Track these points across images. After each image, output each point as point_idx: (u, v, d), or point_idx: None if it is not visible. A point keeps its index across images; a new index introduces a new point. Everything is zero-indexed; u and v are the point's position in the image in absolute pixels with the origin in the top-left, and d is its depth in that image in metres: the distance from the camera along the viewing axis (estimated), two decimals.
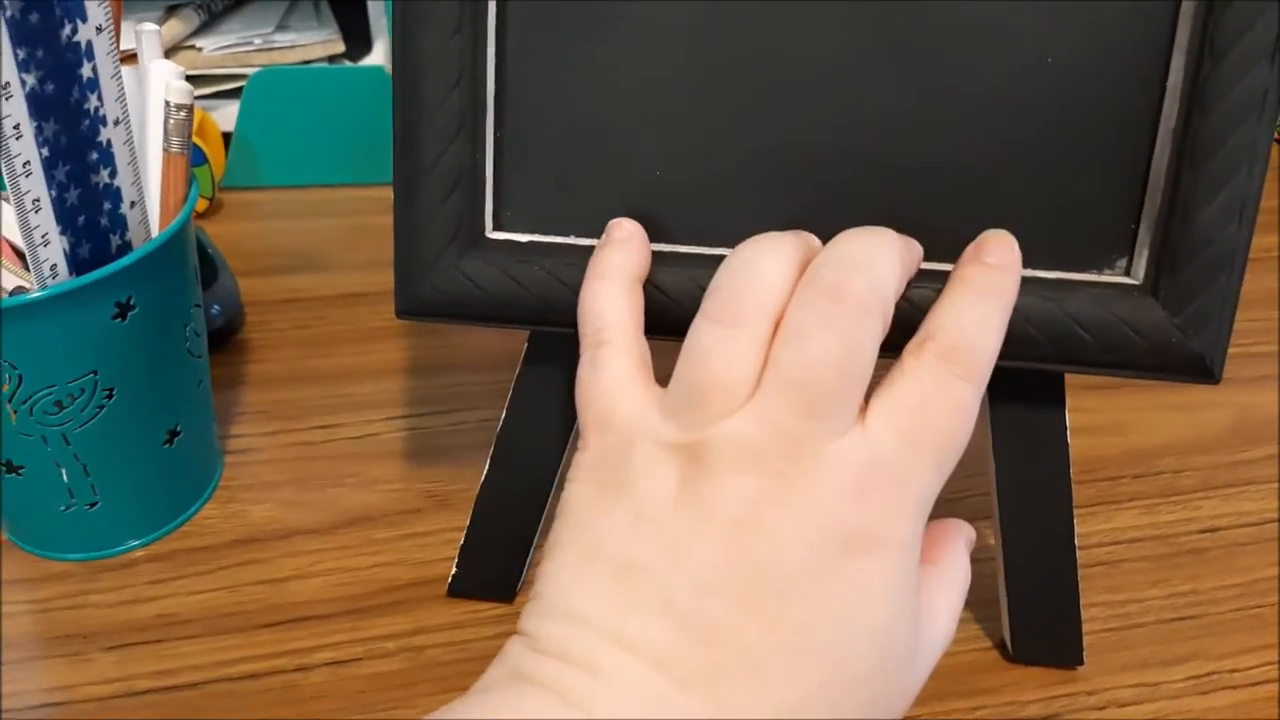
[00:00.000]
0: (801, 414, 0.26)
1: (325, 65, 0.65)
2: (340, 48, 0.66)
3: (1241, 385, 0.52)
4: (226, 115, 0.64)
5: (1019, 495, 0.36)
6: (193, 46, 0.64)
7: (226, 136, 0.65)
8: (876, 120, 0.32)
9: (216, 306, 0.52)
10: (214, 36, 0.64)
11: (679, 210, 0.34)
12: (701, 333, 0.28)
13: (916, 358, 0.28)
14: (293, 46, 0.65)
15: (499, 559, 0.39)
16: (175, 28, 0.63)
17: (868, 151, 0.33)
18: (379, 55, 0.66)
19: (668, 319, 0.33)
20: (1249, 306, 0.32)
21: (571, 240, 0.34)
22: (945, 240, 0.32)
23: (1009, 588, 0.37)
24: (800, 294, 0.28)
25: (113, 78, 0.33)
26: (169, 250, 0.36)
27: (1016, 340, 0.32)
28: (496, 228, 0.34)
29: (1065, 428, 0.35)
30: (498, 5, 0.32)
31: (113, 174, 0.34)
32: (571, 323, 0.32)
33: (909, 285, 0.32)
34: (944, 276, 0.32)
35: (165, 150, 0.37)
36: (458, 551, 0.39)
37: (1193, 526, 0.45)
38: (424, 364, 0.52)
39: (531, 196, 0.34)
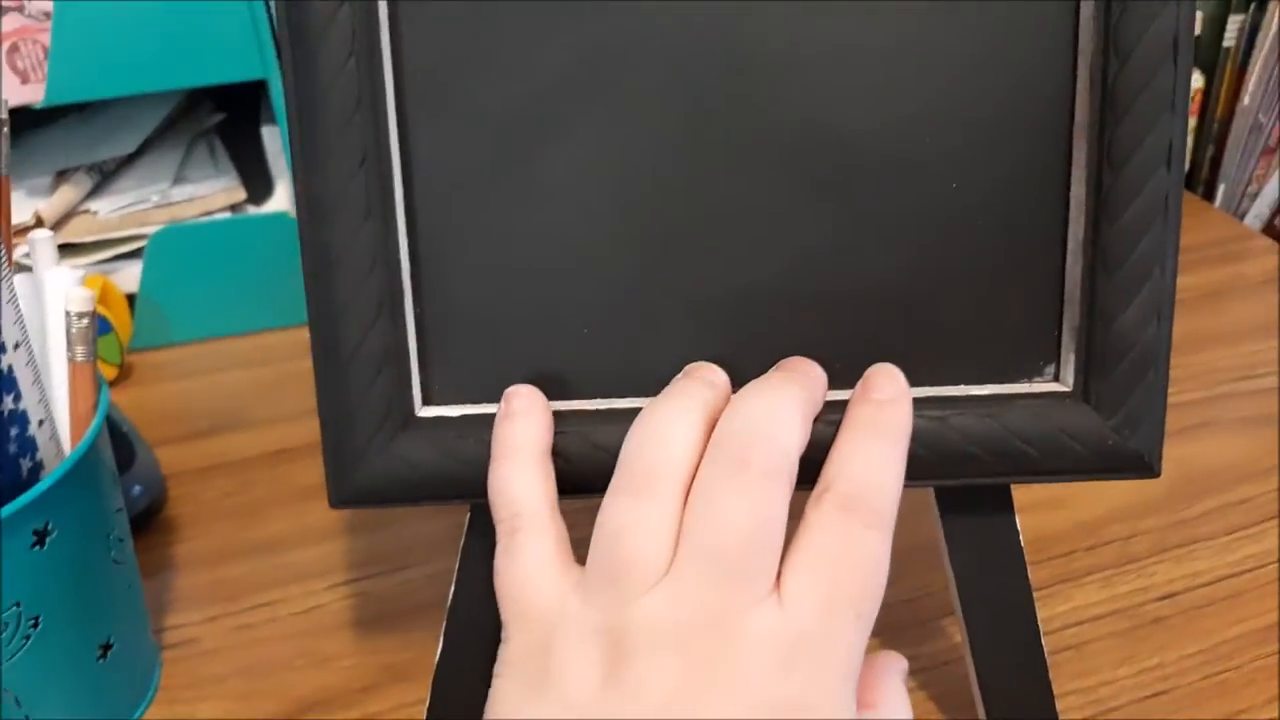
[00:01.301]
0: (718, 586, 0.26)
1: (227, 216, 0.64)
2: (241, 194, 0.65)
3: (1173, 438, 0.53)
4: (128, 277, 0.63)
5: (980, 602, 0.36)
6: (87, 211, 0.62)
7: (130, 296, 0.63)
8: (797, 256, 0.33)
9: (138, 488, 0.50)
10: (109, 198, 0.62)
11: (615, 363, 0.33)
12: (613, 509, 0.28)
13: (818, 509, 0.28)
14: (191, 200, 0.63)
15: None
16: (67, 194, 0.61)
17: (792, 286, 0.33)
18: (282, 197, 0.65)
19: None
20: None
21: None
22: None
23: (984, 694, 0.37)
24: (707, 461, 0.28)
25: (9, 302, 0.32)
26: (84, 465, 0.34)
27: (962, 460, 0.32)
28: (426, 403, 0.33)
29: (1017, 532, 0.35)
30: (404, 188, 0.32)
31: (17, 398, 0.33)
32: None
33: (824, 418, 0.32)
34: None
35: (70, 359, 0.35)
36: None
37: (1150, 595, 0.45)
38: (363, 520, 0.50)
39: (460, 368, 0.33)
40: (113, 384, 0.62)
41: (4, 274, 0.31)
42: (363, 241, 0.31)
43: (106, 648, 0.38)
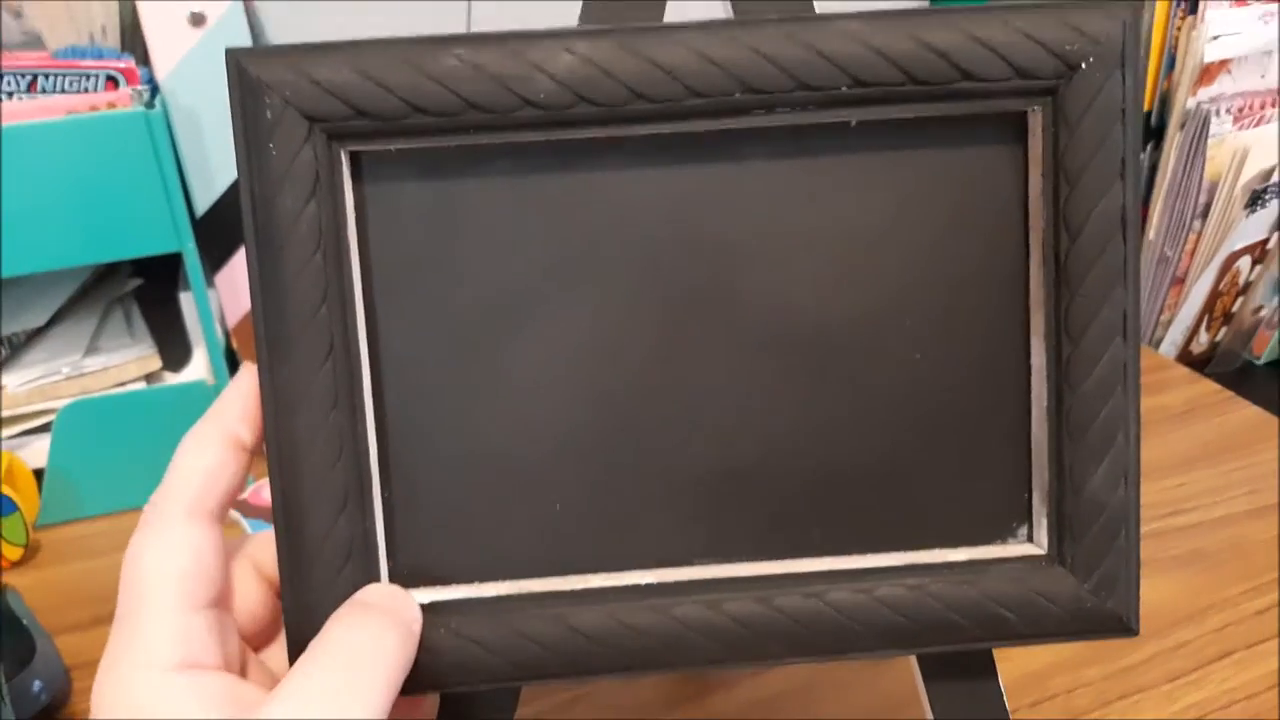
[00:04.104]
0: None
1: (140, 388, 0.62)
2: (157, 364, 0.63)
3: None
4: (37, 451, 0.60)
5: None
6: None
7: (38, 471, 0.60)
8: (772, 436, 0.33)
9: (37, 683, 0.46)
10: (17, 372, 0.60)
11: (591, 542, 0.33)
12: None
13: None
14: (104, 370, 0.61)
15: None
16: None
17: (767, 465, 0.33)
18: (199, 365, 0.64)
19: (589, 663, 0.31)
20: None
21: (476, 592, 0.32)
22: (852, 536, 0.33)
23: None
24: None
25: None
26: None
27: (944, 627, 0.32)
28: None
29: (1001, 695, 0.35)
30: (372, 379, 0.31)
31: None
32: (486, 680, 0.31)
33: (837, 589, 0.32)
34: (858, 575, 0.32)
35: None
36: None
37: None
38: None
39: (430, 553, 0.32)
40: (18, 564, 0.58)
41: None
42: (328, 432, 0.30)
43: None
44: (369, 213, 0.31)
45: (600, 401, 0.32)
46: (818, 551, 0.33)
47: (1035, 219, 0.31)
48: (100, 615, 0.54)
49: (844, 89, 0.29)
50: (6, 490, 0.56)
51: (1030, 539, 0.33)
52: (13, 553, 0.58)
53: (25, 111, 0.53)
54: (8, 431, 0.60)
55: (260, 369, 0.30)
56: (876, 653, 0.32)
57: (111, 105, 0.54)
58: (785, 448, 0.33)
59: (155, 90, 0.57)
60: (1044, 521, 0.33)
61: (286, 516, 0.30)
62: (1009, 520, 0.33)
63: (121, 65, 0.56)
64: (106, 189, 0.54)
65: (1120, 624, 0.33)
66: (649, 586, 0.32)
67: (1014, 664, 0.49)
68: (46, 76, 0.55)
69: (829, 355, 0.32)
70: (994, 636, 0.32)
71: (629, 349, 0.32)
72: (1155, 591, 0.53)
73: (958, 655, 0.34)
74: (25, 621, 0.50)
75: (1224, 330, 0.86)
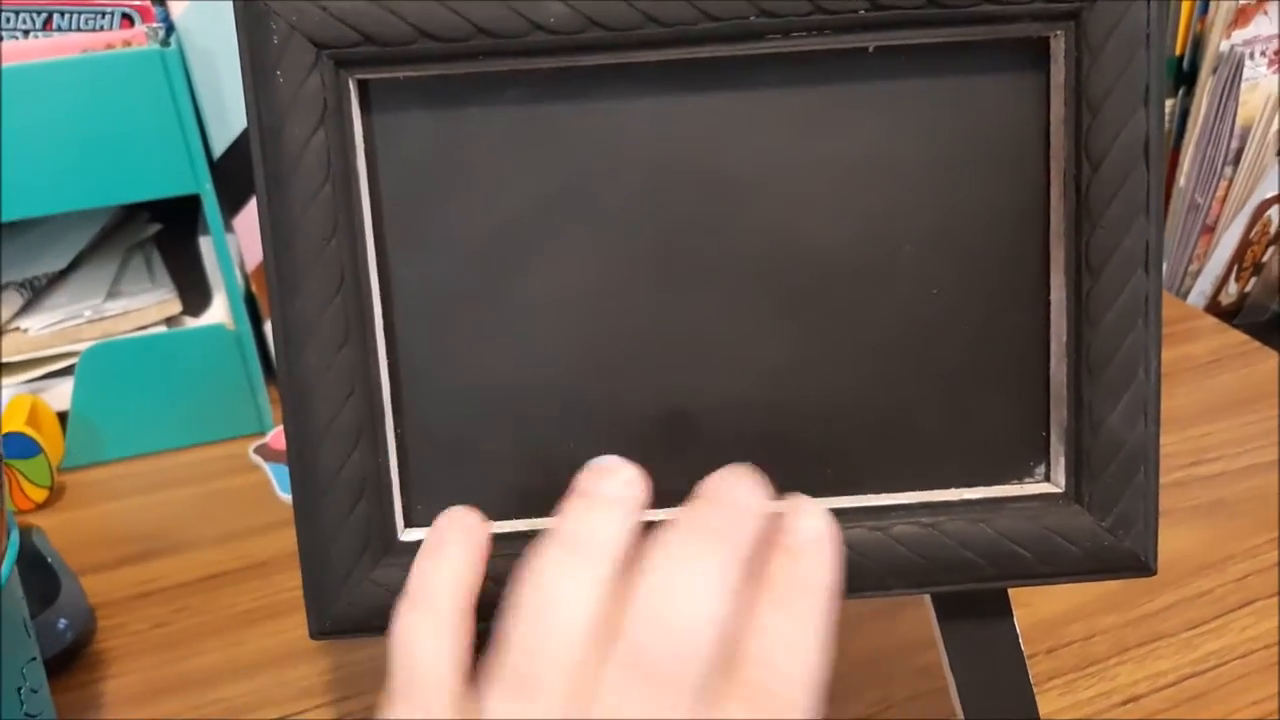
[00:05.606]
0: None
1: (161, 331, 0.62)
2: (177, 308, 0.63)
3: None
4: (60, 394, 0.60)
5: (984, 707, 0.35)
6: (17, 329, 0.60)
7: (62, 414, 0.60)
8: (777, 369, 0.32)
9: (63, 622, 0.47)
10: (39, 315, 0.60)
11: None
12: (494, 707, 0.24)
13: (720, 703, 0.23)
14: (125, 313, 0.61)
15: None
16: None
17: (775, 399, 0.32)
18: (219, 309, 0.64)
19: None
20: None
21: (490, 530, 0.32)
22: (865, 474, 0.33)
23: None
24: (609, 659, 0.24)
25: None
26: None
27: (958, 565, 0.32)
28: (409, 525, 0.32)
29: (1017, 635, 0.35)
30: (384, 312, 0.31)
31: None
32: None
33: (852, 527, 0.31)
34: (872, 512, 0.32)
35: None
36: None
37: (1113, 699, 0.44)
38: (299, 649, 0.48)
39: (443, 488, 0.32)
40: (42, 506, 0.59)
41: None
42: (340, 368, 0.30)
43: None
44: (377, 143, 0.30)
45: (608, 335, 0.32)
46: (832, 489, 0.33)
47: (1056, 149, 0.31)
48: (124, 556, 0.54)
49: (862, 12, 0.28)
50: (31, 432, 0.57)
51: (1047, 477, 0.33)
52: (38, 494, 0.58)
53: (41, 50, 0.52)
54: (31, 374, 0.60)
55: (272, 304, 0.30)
56: (891, 591, 0.32)
57: (127, 43, 0.54)
58: (797, 384, 0.32)
59: (171, 28, 0.57)
60: (1061, 459, 0.32)
61: (299, 456, 0.30)
62: (1026, 458, 0.33)
63: (137, 3, 0.56)
64: (122, 129, 0.54)
65: (1138, 563, 0.32)
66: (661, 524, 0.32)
67: (1031, 610, 0.49)
68: (62, 14, 0.55)
69: (843, 289, 0.32)
70: (1009, 575, 0.32)
71: (632, 282, 0.32)
72: (1176, 540, 0.52)
73: (973, 596, 0.34)
74: (50, 561, 0.51)
75: (1253, 281, 0.84)
